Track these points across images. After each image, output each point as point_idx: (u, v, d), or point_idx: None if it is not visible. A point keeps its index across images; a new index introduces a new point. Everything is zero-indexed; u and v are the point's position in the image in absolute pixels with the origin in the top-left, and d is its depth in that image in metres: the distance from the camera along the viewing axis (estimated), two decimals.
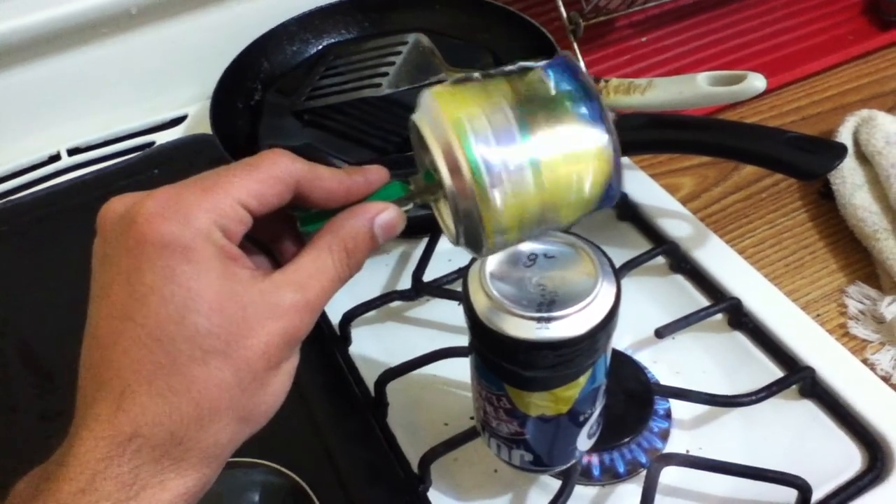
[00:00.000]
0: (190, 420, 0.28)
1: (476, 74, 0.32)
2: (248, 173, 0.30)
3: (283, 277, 0.30)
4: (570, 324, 0.35)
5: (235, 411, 0.29)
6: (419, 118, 0.32)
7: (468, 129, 0.30)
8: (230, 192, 0.29)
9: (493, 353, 0.38)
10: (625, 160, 0.66)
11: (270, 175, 0.30)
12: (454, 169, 0.30)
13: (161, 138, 0.75)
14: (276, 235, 0.34)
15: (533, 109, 0.31)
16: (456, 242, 0.33)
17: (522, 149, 0.30)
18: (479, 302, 0.36)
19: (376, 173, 0.33)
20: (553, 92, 0.31)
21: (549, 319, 0.35)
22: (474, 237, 0.32)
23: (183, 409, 0.28)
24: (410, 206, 0.33)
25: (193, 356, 0.28)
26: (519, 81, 0.31)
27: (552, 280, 0.36)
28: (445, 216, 0.34)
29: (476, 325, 0.37)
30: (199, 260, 0.28)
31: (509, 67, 0.32)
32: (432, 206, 0.35)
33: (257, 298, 0.29)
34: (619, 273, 0.37)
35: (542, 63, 0.32)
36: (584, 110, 0.31)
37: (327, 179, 0.32)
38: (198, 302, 0.28)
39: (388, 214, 0.32)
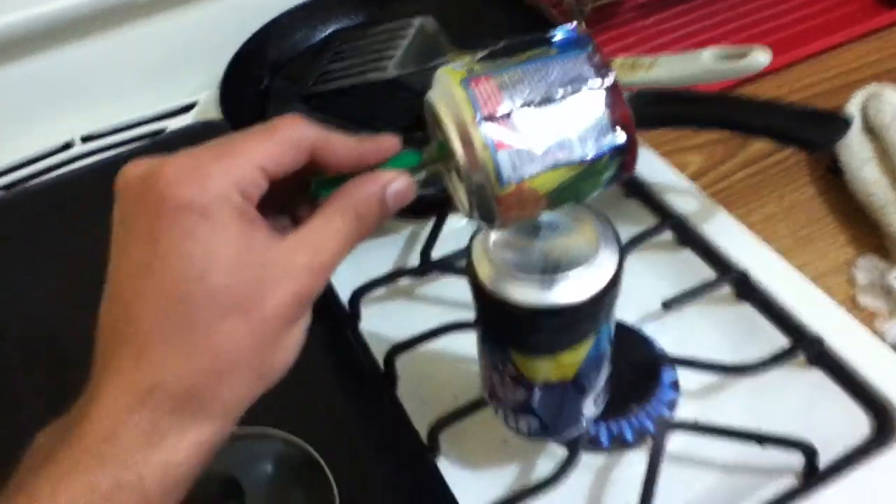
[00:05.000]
0: (208, 374, 0.29)
1: (492, 50, 0.33)
2: (264, 138, 0.31)
3: (297, 240, 0.31)
4: (573, 289, 0.35)
5: (252, 367, 0.30)
6: (434, 95, 0.33)
7: (482, 105, 0.31)
8: (247, 155, 0.30)
9: (496, 319, 0.38)
10: None
11: (286, 139, 0.31)
12: (466, 143, 0.31)
13: (172, 125, 0.76)
14: (293, 199, 0.35)
15: (545, 87, 0.31)
16: (470, 216, 0.34)
17: (535, 125, 0.31)
18: (483, 268, 0.37)
19: (389, 142, 0.34)
20: (564, 69, 0.32)
21: (551, 285, 0.35)
22: (487, 211, 0.32)
23: (201, 364, 0.29)
24: (423, 175, 0.34)
25: (212, 313, 0.28)
26: (531, 58, 0.32)
27: (556, 247, 0.37)
28: (459, 191, 0.34)
29: (479, 291, 0.37)
30: (218, 221, 0.29)
31: (521, 41, 0.33)
32: (446, 181, 0.35)
33: (274, 259, 0.30)
34: (621, 240, 0.38)
35: (554, 38, 0.33)
36: (596, 88, 0.31)
37: (340, 145, 0.32)
38: (217, 261, 0.29)
39: (399, 183, 0.33)
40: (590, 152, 0.32)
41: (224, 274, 0.29)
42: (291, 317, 0.31)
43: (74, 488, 0.27)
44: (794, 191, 0.63)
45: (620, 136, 0.32)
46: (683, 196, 0.61)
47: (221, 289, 0.29)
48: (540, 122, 0.31)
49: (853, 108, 0.64)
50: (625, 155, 0.32)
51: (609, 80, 0.32)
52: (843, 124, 0.50)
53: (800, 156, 0.66)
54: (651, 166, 0.63)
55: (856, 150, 0.61)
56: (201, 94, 0.78)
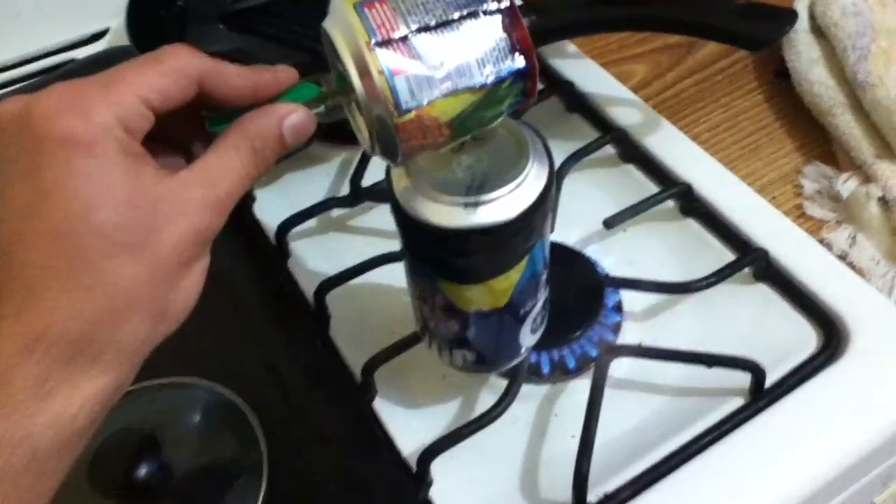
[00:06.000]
0: (103, 315, 0.27)
1: None
2: (147, 68, 0.29)
3: (191, 175, 0.30)
4: (500, 207, 0.33)
5: (149, 308, 0.28)
6: (330, 24, 0.31)
7: (377, 30, 0.29)
8: (131, 86, 0.29)
9: (421, 244, 0.35)
10: (572, 49, 0.63)
11: (172, 69, 0.30)
12: (363, 71, 0.30)
13: (82, 55, 0.70)
14: (187, 138, 0.33)
15: (441, 9, 0.30)
16: (371, 151, 0.33)
17: (433, 50, 0.30)
18: (404, 191, 0.34)
19: (285, 73, 0.32)
20: None
21: (476, 204, 0.33)
22: (390, 142, 0.31)
23: (96, 304, 0.27)
24: (322, 108, 0.33)
25: (103, 250, 0.27)
26: None
27: (481, 163, 0.34)
28: (360, 124, 0.33)
29: (401, 215, 0.34)
30: (102, 155, 0.27)
31: None
32: (348, 114, 0.34)
33: (166, 194, 0.29)
34: (553, 155, 0.35)
35: None
36: (492, 12, 0.30)
37: (233, 76, 0.31)
38: (104, 196, 0.27)
39: (297, 116, 0.32)
40: (489, 77, 0.30)
41: (112, 210, 0.27)
42: (189, 255, 0.29)
43: None
44: (741, 98, 0.61)
45: (519, 61, 0.31)
46: (627, 108, 0.58)
47: (110, 225, 0.27)
48: (437, 46, 0.30)
49: (800, 7, 0.61)
50: (526, 80, 0.31)
51: (505, 3, 0.31)
52: (786, 17, 0.47)
53: (746, 61, 0.63)
54: (593, 78, 0.60)
55: (803, 52, 0.58)
56: (114, 20, 0.72)
